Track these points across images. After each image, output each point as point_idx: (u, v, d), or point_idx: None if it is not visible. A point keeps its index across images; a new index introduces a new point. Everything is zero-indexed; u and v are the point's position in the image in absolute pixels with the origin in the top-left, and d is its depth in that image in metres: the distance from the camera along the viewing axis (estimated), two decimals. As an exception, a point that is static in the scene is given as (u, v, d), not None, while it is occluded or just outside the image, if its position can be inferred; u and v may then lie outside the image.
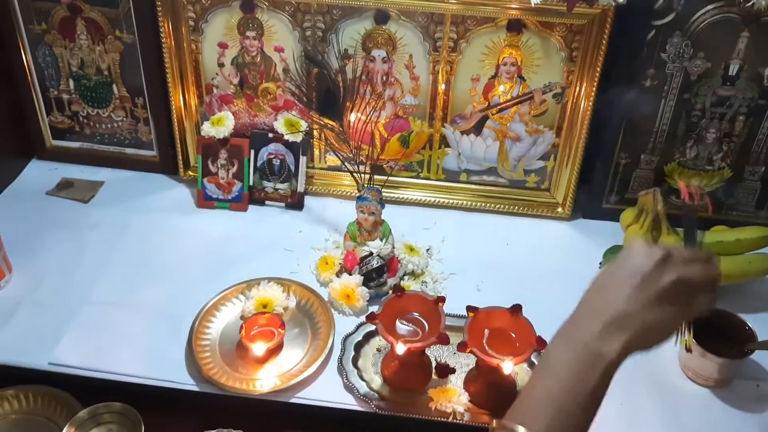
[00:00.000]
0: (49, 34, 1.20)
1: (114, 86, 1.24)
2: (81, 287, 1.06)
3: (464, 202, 1.25)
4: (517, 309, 0.90)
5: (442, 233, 1.19)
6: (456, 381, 0.95)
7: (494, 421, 0.59)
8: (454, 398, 0.91)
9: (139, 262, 1.12)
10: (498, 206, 1.25)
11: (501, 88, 1.15)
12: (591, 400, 0.56)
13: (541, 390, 0.58)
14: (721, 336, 0.95)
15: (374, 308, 1.03)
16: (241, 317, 1.01)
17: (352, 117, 1.11)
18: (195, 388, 0.93)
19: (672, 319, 0.58)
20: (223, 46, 1.17)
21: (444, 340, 0.87)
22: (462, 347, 0.86)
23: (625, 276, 0.58)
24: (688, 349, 0.95)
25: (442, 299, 0.92)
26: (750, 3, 0.98)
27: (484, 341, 0.89)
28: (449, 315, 0.92)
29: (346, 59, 1.14)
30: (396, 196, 1.25)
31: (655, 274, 0.57)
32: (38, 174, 1.30)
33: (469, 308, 0.91)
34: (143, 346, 0.98)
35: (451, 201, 1.25)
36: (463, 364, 0.96)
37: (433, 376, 0.95)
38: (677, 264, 0.57)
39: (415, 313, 0.92)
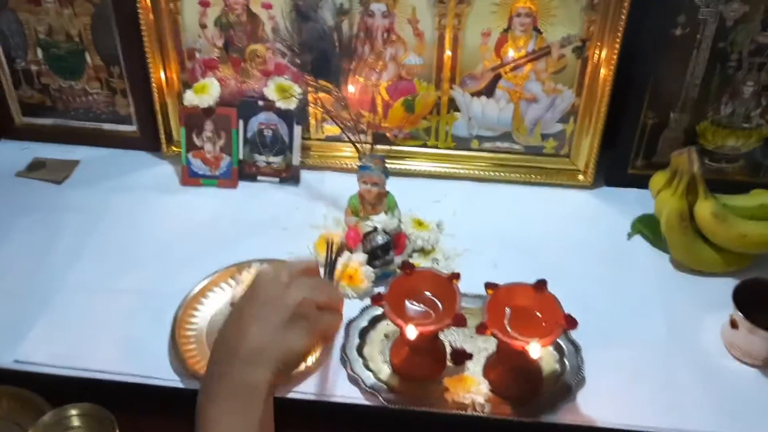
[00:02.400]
0: (12, -3, 1.09)
1: (87, 54, 1.13)
2: (53, 276, 0.97)
3: (476, 172, 1.15)
4: (541, 285, 0.80)
5: (453, 206, 1.09)
6: (474, 368, 0.85)
7: None
8: (473, 388, 0.82)
9: (117, 246, 1.02)
10: (513, 175, 1.14)
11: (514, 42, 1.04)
12: (261, 427, 0.59)
13: None
14: (770, 309, 0.85)
15: (380, 289, 0.93)
16: (231, 304, 0.91)
17: (352, 80, 1.00)
18: (179, 385, 0.83)
19: (306, 339, 0.61)
20: (204, 4, 1.06)
21: (460, 322, 0.77)
22: (481, 329, 0.76)
23: (256, 307, 0.61)
24: (734, 326, 0.85)
25: (457, 276, 0.82)
26: (797, -68, 0.87)
27: (505, 322, 0.78)
28: (464, 295, 0.81)
29: (342, 15, 1.03)
30: (401, 167, 1.14)
31: (282, 300, 0.61)
32: (7, 154, 1.20)
33: (487, 285, 0.80)
34: (121, 339, 0.88)
35: (461, 171, 1.15)
36: (481, 348, 0.87)
37: (448, 364, 0.85)
38: (302, 288, 0.61)
39: (426, 293, 0.82)
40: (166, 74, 1.11)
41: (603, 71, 1.03)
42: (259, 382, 0.58)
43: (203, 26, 1.08)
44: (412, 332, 0.76)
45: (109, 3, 1.07)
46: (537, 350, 0.74)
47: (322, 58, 0.99)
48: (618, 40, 0.99)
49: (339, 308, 0.65)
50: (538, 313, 0.79)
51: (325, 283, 0.66)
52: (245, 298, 0.62)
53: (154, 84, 1.11)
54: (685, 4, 0.96)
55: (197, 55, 1.11)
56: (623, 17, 0.97)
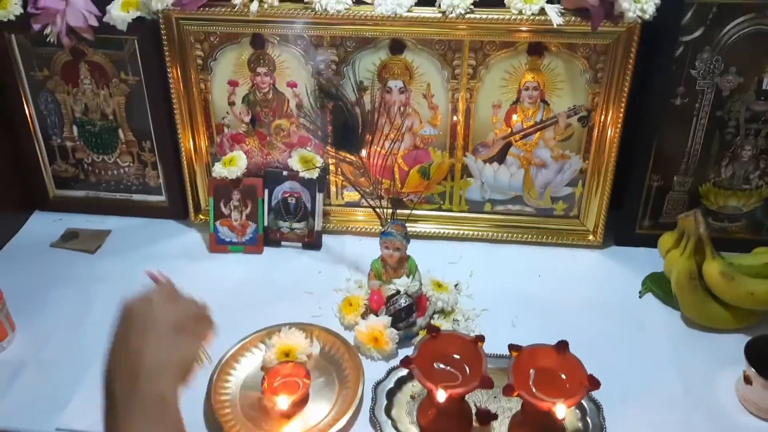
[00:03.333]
0: (51, 80, 1.16)
1: (120, 131, 1.20)
2: (89, 345, 0.99)
3: (490, 234, 1.20)
4: (563, 346, 0.83)
5: (469, 267, 1.14)
6: (499, 428, 0.87)
7: None
8: (500, 447, 0.84)
9: (150, 313, 1.05)
10: (525, 236, 1.19)
11: (523, 113, 1.10)
12: (171, 418, 0.62)
13: None
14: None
15: (403, 351, 0.97)
16: (262, 368, 0.94)
17: (371, 150, 1.06)
18: (216, 449, 0.86)
19: (193, 345, 0.66)
20: (233, 83, 1.13)
21: (488, 384, 0.80)
22: (508, 391, 0.79)
23: (134, 332, 0.64)
24: (748, 381, 0.88)
25: (482, 338, 0.85)
26: (784, 12, 0.94)
27: (530, 383, 0.82)
28: (487, 356, 0.85)
29: (362, 91, 1.09)
30: (418, 230, 1.19)
31: (159, 321, 0.64)
32: (42, 226, 1.25)
33: (511, 347, 0.84)
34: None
35: (475, 233, 1.20)
36: (505, 408, 0.90)
37: (474, 424, 0.87)
38: (169, 307, 0.66)
39: (454, 355, 0.85)
40: (195, 147, 1.17)
41: (608, 137, 1.09)
42: (166, 392, 0.62)
43: (231, 103, 1.14)
44: (442, 395, 0.80)
45: (143, 84, 1.13)
46: (563, 411, 0.77)
47: (344, 130, 1.05)
48: (622, 109, 1.05)
49: (206, 312, 0.70)
50: (562, 375, 0.82)
51: (185, 297, 0.70)
52: (122, 328, 0.65)
53: (184, 156, 1.17)
54: (684, 77, 1.02)
55: (225, 129, 1.17)
56: (626, 89, 1.04)
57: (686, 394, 0.92)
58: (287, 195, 1.17)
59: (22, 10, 1.08)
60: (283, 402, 0.89)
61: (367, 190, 1.08)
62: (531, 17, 1.00)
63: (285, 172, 1.16)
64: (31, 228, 1.25)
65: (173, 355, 0.64)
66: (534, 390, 0.81)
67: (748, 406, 0.90)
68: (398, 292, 1.00)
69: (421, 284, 1.03)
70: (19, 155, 1.23)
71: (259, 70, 1.11)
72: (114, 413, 0.62)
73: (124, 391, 0.62)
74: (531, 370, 0.83)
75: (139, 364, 0.62)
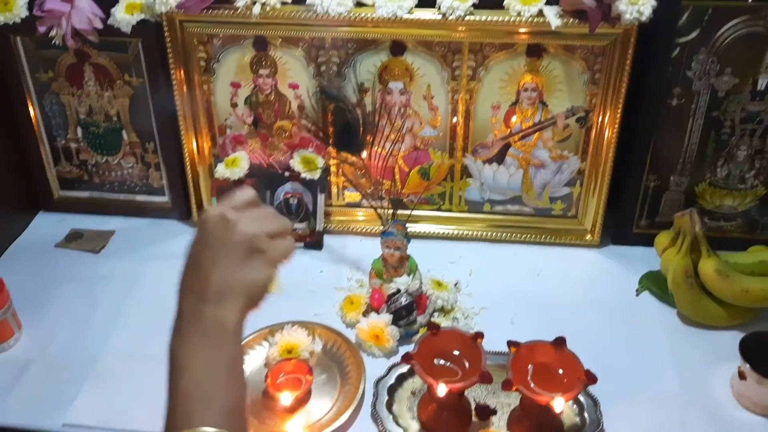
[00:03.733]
0: (56, 81, 1.17)
1: (123, 132, 1.21)
2: (94, 342, 1.02)
3: (489, 233, 1.21)
4: (560, 342, 0.85)
5: (468, 266, 1.15)
6: (498, 422, 0.89)
7: None
8: (499, 442, 0.86)
9: (154, 312, 1.05)
10: (524, 236, 1.21)
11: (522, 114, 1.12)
12: (233, 368, 0.59)
13: (188, 386, 0.58)
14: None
15: (404, 348, 0.98)
16: (266, 365, 0.96)
17: (372, 151, 1.07)
18: (221, 444, 0.87)
19: (265, 270, 0.61)
20: (235, 85, 1.14)
21: (487, 379, 0.82)
22: (507, 385, 0.81)
23: (212, 251, 0.60)
24: (743, 377, 0.90)
25: (481, 335, 0.87)
26: (777, 15, 0.96)
27: (528, 378, 0.83)
28: (487, 352, 0.87)
29: (363, 92, 1.11)
30: (418, 230, 1.21)
31: (235, 238, 0.60)
32: (46, 226, 1.26)
33: (510, 343, 0.86)
34: (162, 401, 0.92)
35: (475, 233, 1.21)
36: (504, 404, 0.91)
37: (473, 419, 0.89)
38: (249, 222, 0.61)
39: (453, 351, 0.87)
40: (198, 148, 1.19)
41: (606, 138, 1.10)
42: (228, 320, 0.59)
43: (234, 105, 1.16)
44: (442, 390, 0.81)
45: (146, 86, 1.15)
46: (561, 404, 0.79)
47: (345, 131, 1.06)
48: (619, 110, 1.07)
49: (288, 233, 0.65)
50: (559, 370, 0.84)
51: (269, 213, 0.64)
52: (198, 243, 0.61)
53: (187, 157, 1.18)
54: (680, 78, 1.04)
55: (228, 131, 1.18)
56: (623, 90, 1.05)
57: (682, 389, 0.94)
58: (289, 195, 1.18)
59: (27, 13, 1.09)
60: (286, 398, 0.90)
61: (368, 191, 1.09)
62: (529, 19, 1.01)
63: (287, 173, 1.18)
64: (35, 229, 1.26)
65: (243, 281, 0.60)
66: (532, 385, 0.82)
67: (742, 401, 0.91)
68: (399, 290, 1.01)
69: (421, 283, 1.04)
70: (23, 156, 1.24)
71: (261, 71, 1.12)
72: (179, 332, 0.59)
73: (189, 311, 0.59)
74: (529, 366, 0.84)
75: (207, 284, 0.59)
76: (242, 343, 0.60)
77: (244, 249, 0.60)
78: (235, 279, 0.59)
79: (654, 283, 1.09)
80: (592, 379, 0.81)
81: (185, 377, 0.57)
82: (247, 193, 0.63)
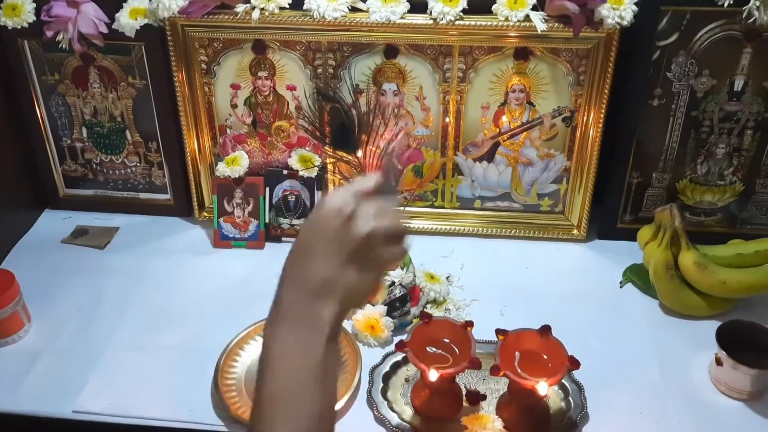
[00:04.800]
0: (62, 84, 1.21)
1: (127, 132, 1.25)
2: (101, 333, 1.06)
3: (479, 229, 1.26)
4: (546, 330, 0.90)
5: (460, 260, 1.19)
6: (488, 407, 0.93)
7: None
8: (488, 425, 0.90)
9: (158, 305, 1.11)
10: (513, 231, 1.25)
11: (510, 115, 1.17)
12: (323, 370, 0.57)
13: (275, 386, 0.57)
14: (751, 348, 0.94)
15: (398, 338, 1.02)
16: (266, 355, 1.00)
17: (367, 150, 1.11)
18: (223, 429, 0.91)
19: (371, 273, 0.59)
20: (235, 87, 1.18)
21: (476, 365, 0.86)
22: (495, 371, 0.85)
23: (323, 242, 0.58)
24: (719, 363, 0.95)
25: (470, 324, 0.92)
26: (751, 19, 1.00)
27: (515, 364, 0.88)
28: (476, 341, 0.91)
29: (358, 94, 1.15)
30: (411, 226, 1.25)
31: (346, 233, 0.57)
32: (52, 223, 1.30)
33: (498, 331, 0.90)
34: (168, 388, 0.97)
35: (466, 228, 1.26)
36: (493, 389, 0.96)
37: (464, 404, 0.93)
38: (367, 219, 0.58)
39: (444, 339, 0.91)
40: (199, 148, 1.23)
41: (590, 137, 1.15)
42: (326, 314, 0.57)
43: (234, 106, 1.20)
44: (433, 375, 0.86)
45: (149, 87, 1.19)
46: (545, 388, 0.84)
47: (341, 131, 1.10)
48: (603, 110, 1.11)
49: (403, 236, 0.61)
50: (544, 356, 0.88)
51: (389, 209, 0.59)
52: (311, 229, 0.59)
53: (188, 156, 1.22)
54: (660, 79, 1.09)
55: (228, 131, 1.22)
56: (606, 91, 1.10)
57: (663, 375, 0.98)
58: (287, 193, 1.23)
59: (35, 18, 1.13)
60: (285, 385, 0.94)
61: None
62: (517, 24, 1.06)
63: (285, 171, 1.22)
64: (42, 225, 1.30)
65: (347, 282, 0.57)
66: (519, 370, 0.87)
67: (719, 387, 0.96)
68: (393, 283, 1.05)
69: (414, 276, 1.08)
70: (30, 156, 1.28)
71: (260, 74, 1.17)
72: (274, 320, 0.58)
73: (288, 300, 0.57)
74: (516, 353, 0.89)
75: (313, 276, 0.57)
76: (337, 344, 0.58)
77: (356, 248, 0.57)
78: (341, 277, 0.57)
79: (637, 276, 1.14)
80: (575, 364, 0.86)
81: (274, 372, 0.56)
82: (371, 179, 0.60)
